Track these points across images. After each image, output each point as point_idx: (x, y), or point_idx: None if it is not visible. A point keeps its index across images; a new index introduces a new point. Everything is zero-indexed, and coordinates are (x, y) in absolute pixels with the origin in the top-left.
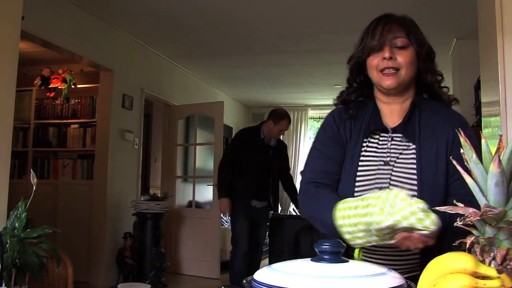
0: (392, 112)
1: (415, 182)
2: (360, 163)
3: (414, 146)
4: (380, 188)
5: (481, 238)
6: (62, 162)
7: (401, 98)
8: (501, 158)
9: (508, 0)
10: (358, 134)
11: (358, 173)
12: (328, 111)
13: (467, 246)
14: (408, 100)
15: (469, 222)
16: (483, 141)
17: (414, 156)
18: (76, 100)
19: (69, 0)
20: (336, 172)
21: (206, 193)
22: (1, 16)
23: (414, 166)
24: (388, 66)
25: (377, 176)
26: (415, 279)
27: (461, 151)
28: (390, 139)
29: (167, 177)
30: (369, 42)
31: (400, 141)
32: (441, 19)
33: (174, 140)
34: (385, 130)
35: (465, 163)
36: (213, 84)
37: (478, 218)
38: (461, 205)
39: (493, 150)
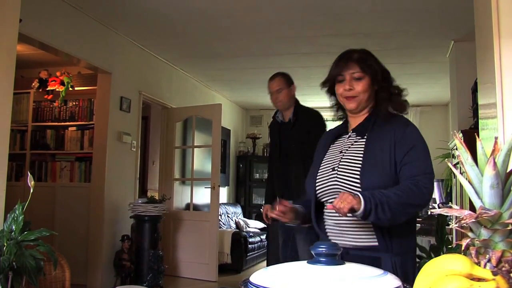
0: (354, 120)
1: (359, 163)
2: (325, 156)
3: (363, 140)
4: (332, 168)
5: (477, 240)
6: (59, 164)
7: (361, 112)
8: (496, 160)
9: (504, 3)
10: (328, 142)
11: (322, 161)
12: (326, 113)
13: (463, 248)
14: (366, 113)
15: (464, 224)
16: (478, 143)
17: (362, 146)
18: (74, 103)
19: (67, 2)
20: None
21: (204, 195)
22: None
23: (361, 153)
24: (348, 95)
25: (332, 160)
26: (375, 249)
27: (457, 153)
28: (348, 137)
29: (165, 179)
30: (335, 76)
31: (354, 137)
32: (438, 22)
33: (172, 142)
34: (346, 133)
35: (461, 166)
36: (211, 86)
37: (474, 220)
38: (456, 207)
39: (489, 152)
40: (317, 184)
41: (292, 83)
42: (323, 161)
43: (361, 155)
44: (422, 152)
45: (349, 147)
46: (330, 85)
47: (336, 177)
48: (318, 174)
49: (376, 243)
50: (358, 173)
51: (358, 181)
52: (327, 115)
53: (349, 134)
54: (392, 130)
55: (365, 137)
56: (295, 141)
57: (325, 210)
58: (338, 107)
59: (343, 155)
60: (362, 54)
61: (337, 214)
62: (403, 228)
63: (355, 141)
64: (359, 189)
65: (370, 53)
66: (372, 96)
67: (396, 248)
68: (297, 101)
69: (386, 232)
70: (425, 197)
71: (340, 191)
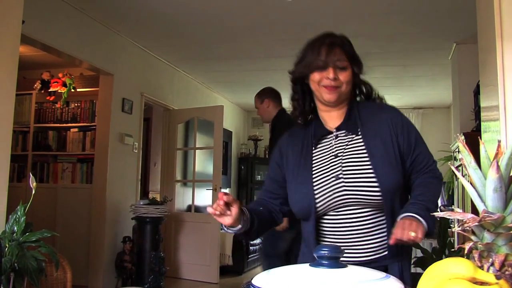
0: (331, 117)
1: (368, 164)
2: (314, 164)
3: (359, 137)
4: (334, 177)
5: (480, 244)
6: (61, 166)
7: (338, 106)
8: (499, 163)
9: (507, 6)
10: (307, 146)
11: (314, 170)
12: None
13: (466, 252)
14: (344, 106)
15: (467, 228)
16: (481, 146)
17: (361, 143)
18: (76, 104)
19: (70, 4)
20: (277, 191)
21: (205, 197)
22: (1, 20)
23: (363, 151)
24: (331, 85)
25: (330, 168)
26: (383, 259)
27: (459, 156)
28: (334, 137)
29: (167, 181)
30: (314, 60)
31: (344, 136)
32: (440, 24)
33: (174, 144)
34: (329, 133)
35: (464, 169)
36: (212, 88)
37: (477, 223)
38: (459, 210)
39: (492, 155)
40: (317, 199)
41: (264, 99)
42: (314, 171)
43: (366, 155)
44: (421, 138)
45: (345, 149)
46: (301, 75)
47: (344, 186)
48: (316, 186)
49: (385, 253)
50: (373, 177)
51: (375, 184)
52: None
53: (335, 133)
54: (387, 120)
55: (359, 133)
56: (271, 150)
57: (323, 225)
58: (302, 100)
59: (342, 160)
60: (345, 40)
61: (343, 230)
62: None
63: (350, 141)
64: (378, 194)
65: (349, 40)
66: (351, 88)
67: (404, 252)
68: (278, 112)
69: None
70: (442, 185)
71: (350, 201)
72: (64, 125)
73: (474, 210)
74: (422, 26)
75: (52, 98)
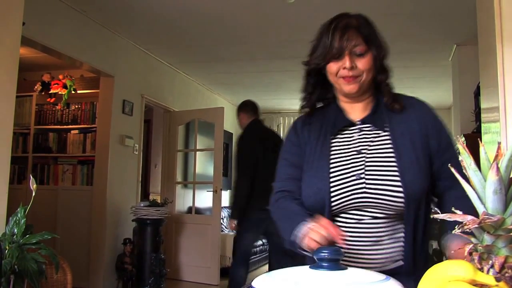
0: (354, 108)
1: (394, 165)
2: (332, 157)
3: (385, 134)
4: (355, 176)
5: (480, 246)
6: (62, 167)
7: (362, 96)
8: (499, 165)
9: (507, 7)
10: (324, 134)
11: (331, 164)
12: None
13: (465, 254)
14: (368, 97)
15: (467, 230)
16: (481, 148)
17: (388, 142)
18: (76, 106)
19: (70, 6)
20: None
21: (206, 199)
22: (2, 22)
23: (390, 151)
24: (349, 75)
25: (351, 165)
26: (396, 272)
27: (460, 158)
28: (358, 130)
29: (167, 183)
30: (328, 48)
31: (369, 130)
32: (441, 25)
33: (174, 146)
34: (352, 125)
35: (464, 170)
36: (213, 90)
37: (477, 225)
38: (459, 212)
39: (492, 157)
40: (333, 197)
41: (240, 113)
42: (332, 165)
43: (392, 156)
44: (452, 140)
45: (370, 145)
46: (316, 67)
47: (365, 187)
48: (333, 183)
49: (401, 263)
50: (398, 180)
51: (399, 189)
52: None
53: (359, 126)
54: (417, 118)
55: (386, 129)
56: (238, 157)
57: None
58: (313, 90)
59: (367, 158)
60: (361, 20)
61: (353, 235)
62: (427, 242)
63: (376, 137)
64: (401, 199)
65: (369, 19)
66: (374, 75)
67: (420, 267)
68: (250, 122)
69: (417, 250)
70: None
71: (368, 203)
72: (65, 127)
73: (474, 212)
74: (422, 27)
75: (52, 100)
